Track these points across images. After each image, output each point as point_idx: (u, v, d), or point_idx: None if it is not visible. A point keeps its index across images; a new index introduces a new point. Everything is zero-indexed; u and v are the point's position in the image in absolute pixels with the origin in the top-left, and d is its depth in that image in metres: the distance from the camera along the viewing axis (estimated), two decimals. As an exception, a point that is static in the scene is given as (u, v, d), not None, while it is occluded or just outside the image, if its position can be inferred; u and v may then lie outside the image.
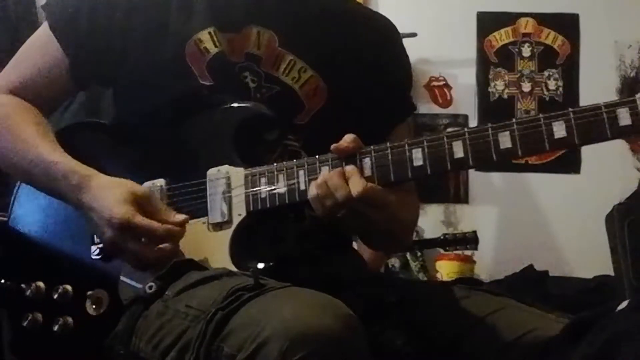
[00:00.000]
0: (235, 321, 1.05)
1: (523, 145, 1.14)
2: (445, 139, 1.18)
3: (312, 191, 1.22)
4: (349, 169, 1.21)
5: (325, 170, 1.23)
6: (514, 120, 1.16)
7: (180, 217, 1.25)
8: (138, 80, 1.39)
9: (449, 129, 1.24)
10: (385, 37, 1.54)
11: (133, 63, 1.39)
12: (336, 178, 1.20)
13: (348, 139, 1.23)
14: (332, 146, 1.23)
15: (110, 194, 1.24)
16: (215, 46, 1.38)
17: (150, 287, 1.21)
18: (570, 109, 1.13)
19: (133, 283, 1.29)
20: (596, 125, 1.11)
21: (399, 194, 1.26)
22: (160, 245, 1.22)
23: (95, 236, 1.34)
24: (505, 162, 3.58)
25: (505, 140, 1.15)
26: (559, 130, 1.12)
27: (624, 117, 1.10)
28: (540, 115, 1.14)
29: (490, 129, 1.16)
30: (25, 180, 1.41)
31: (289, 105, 1.39)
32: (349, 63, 1.44)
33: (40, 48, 1.44)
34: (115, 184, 1.26)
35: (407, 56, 1.56)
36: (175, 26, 1.39)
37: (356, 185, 1.18)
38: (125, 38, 1.39)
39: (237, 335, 1.03)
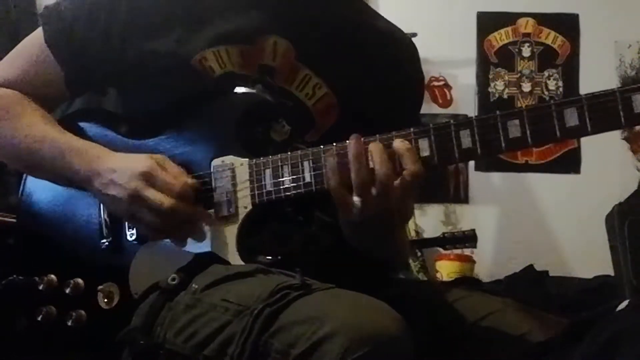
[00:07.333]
0: (285, 318, 1.05)
1: (533, 133, 1.08)
2: (452, 127, 1.13)
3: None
4: (401, 144, 1.13)
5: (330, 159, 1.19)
6: (523, 107, 1.10)
7: (192, 180, 1.27)
8: (142, 86, 1.38)
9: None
10: (403, 55, 1.50)
11: (136, 72, 1.37)
12: (383, 152, 1.13)
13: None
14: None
15: (133, 156, 1.28)
16: (221, 67, 1.35)
17: (173, 279, 1.20)
18: (582, 95, 1.06)
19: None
20: (610, 113, 1.04)
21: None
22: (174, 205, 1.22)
23: (104, 229, 1.34)
24: (505, 161, 3.61)
25: (514, 130, 1.09)
26: (571, 117, 1.06)
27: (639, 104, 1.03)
28: (552, 102, 1.08)
29: (499, 117, 1.10)
30: (27, 164, 1.39)
31: (300, 122, 1.36)
32: (364, 82, 1.41)
33: (35, 57, 1.42)
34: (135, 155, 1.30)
35: (422, 74, 1.54)
36: (180, 41, 1.36)
37: (413, 162, 1.11)
38: (125, 49, 1.37)
39: (290, 332, 1.03)
